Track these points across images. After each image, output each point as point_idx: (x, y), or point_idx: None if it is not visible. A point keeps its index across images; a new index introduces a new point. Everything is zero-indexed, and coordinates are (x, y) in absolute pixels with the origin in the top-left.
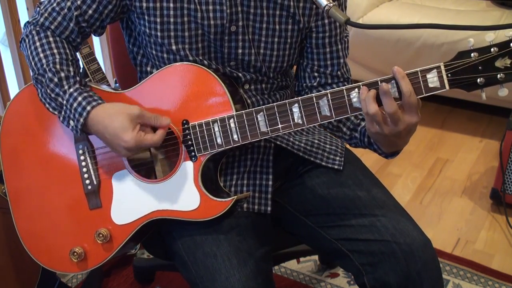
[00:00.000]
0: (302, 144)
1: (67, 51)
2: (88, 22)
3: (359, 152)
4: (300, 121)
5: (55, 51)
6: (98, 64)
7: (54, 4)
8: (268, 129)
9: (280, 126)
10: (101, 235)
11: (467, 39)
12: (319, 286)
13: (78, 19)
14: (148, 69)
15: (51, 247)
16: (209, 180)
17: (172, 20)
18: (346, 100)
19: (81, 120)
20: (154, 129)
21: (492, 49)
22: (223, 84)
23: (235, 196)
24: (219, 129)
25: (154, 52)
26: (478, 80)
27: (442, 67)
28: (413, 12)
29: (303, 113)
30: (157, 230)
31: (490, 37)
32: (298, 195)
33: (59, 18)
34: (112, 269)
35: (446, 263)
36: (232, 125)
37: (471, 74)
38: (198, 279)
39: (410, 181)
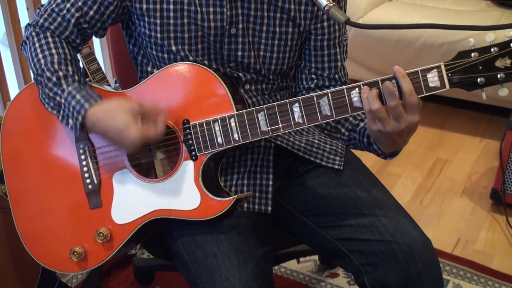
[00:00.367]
0: (302, 144)
1: (66, 51)
2: (89, 23)
3: (359, 152)
4: (300, 121)
5: (54, 51)
6: (98, 64)
7: (54, 6)
8: (269, 128)
9: (280, 125)
10: (101, 235)
11: (467, 39)
12: (319, 286)
13: (79, 20)
14: (149, 69)
15: (51, 246)
16: (210, 180)
17: (172, 21)
18: (347, 100)
19: (80, 118)
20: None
21: (492, 49)
22: (224, 84)
23: (236, 196)
24: (219, 128)
25: (154, 52)
26: (478, 79)
27: (443, 67)
28: (413, 12)
29: (303, 113)
30: (157, 230)
31: (490, 37)
32: (298, 195)
33: (59, 19)
34: (112, 269)
35: (446, 263)
36: (233, 124)
37: (471, 74)
38: (198, 279)
39: (410, 181)
